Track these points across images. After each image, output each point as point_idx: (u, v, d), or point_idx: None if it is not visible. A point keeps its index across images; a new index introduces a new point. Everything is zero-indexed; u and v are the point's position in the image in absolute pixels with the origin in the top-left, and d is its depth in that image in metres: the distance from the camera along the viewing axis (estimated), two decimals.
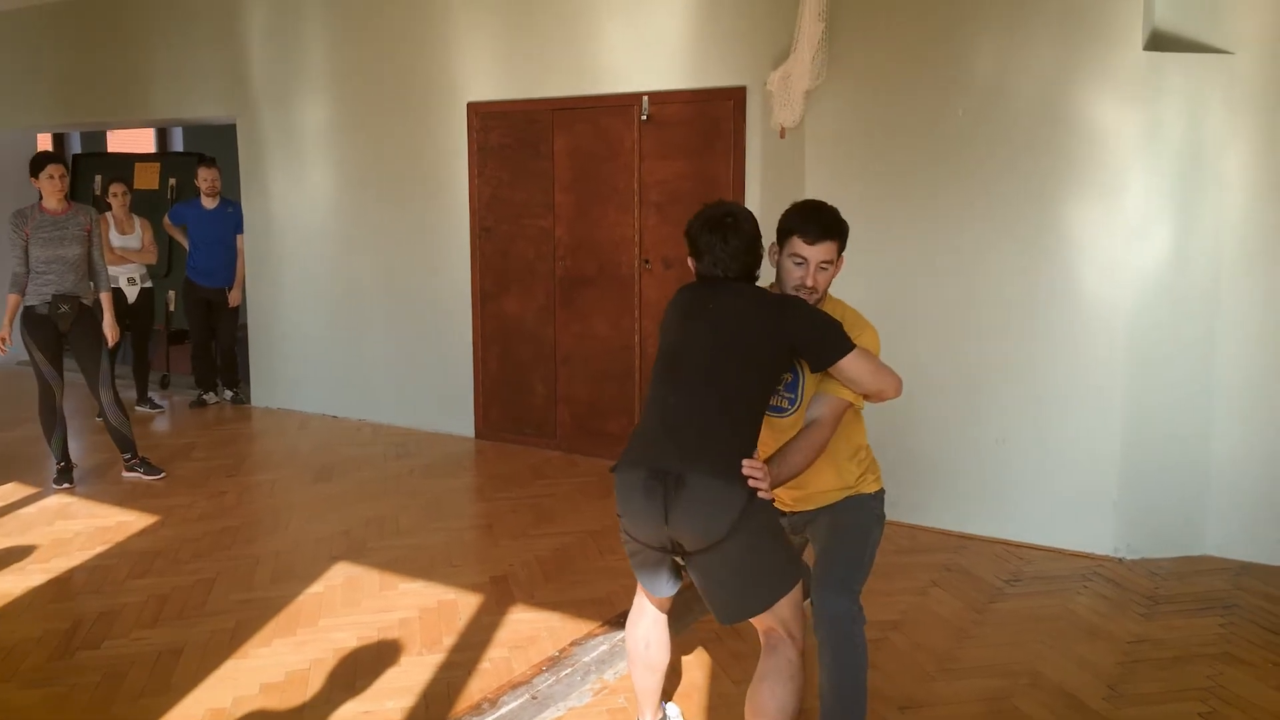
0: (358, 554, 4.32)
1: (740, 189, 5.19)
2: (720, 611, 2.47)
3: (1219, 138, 4.08)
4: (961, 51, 4.36)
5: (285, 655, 3.42)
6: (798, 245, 2.57)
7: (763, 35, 5.03)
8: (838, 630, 2.55)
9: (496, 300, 6.10)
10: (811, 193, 4.47)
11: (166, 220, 7.14)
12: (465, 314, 6.19)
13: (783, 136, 4.90)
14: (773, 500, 2.47)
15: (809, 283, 2.57)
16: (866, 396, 2.59)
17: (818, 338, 2.49)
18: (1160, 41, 4.06)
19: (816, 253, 2.56)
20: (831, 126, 4.67)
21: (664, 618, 2.74)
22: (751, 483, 2.34)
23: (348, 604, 3.82)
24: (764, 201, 5.03)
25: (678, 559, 2.47)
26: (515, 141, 5.90)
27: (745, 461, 2.35)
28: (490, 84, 5.94)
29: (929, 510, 4.59)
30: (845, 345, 2.49)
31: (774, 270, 2.67)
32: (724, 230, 2.53)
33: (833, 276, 2.62)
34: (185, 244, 7.06)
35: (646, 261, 5.55)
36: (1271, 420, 4.13)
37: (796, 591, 2.45)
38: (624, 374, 5.70)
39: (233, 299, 7.04)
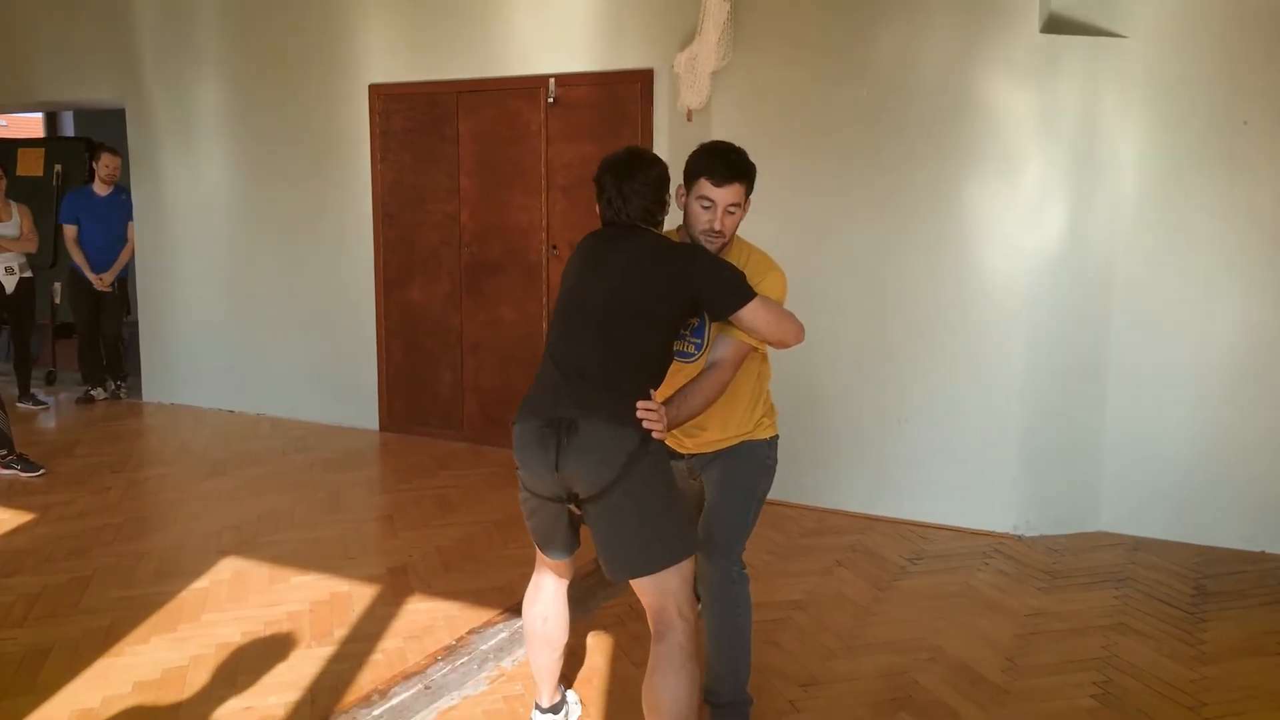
0: (248, 548, 4.17)
1: None
2: (610, 564, 2.41)
3: (1114, 120, 4.18)
4: (865, 33, 4.39)
5: (163, 652, 3.26)
6: (705, 187, 2.51)
7: (670, 17, 5.00)
8: (718, 591, 2.57)
9: (401, 288, 5.97)
10: (719, 228, 4.47)
11: (70, 243, 6.74)
12: (369, 303, 6.05)
13: (690, 119, 4.87)
14: (672, 453, 2.42)
15: (716, 226, 2.52)
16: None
17: (716, 288, 2.45)
18: (1057, 24, 4.15)
19: (724, 195, 2.51)
20: (738, 108, 4.66)
21: (563, 591, 2.68)
22: (646, 423, 2.30)
23: (234, 599, 3.67)
24: (672, 185, 5.00)
25: (573, 508, 2.41)
26: (418, 125, 5.78)
27: (640, 402, 2.31)
28: (392, 65, 5.80)
29: (836, 493, 4.62)
30: (744, 295, 2.45)
31: (681, 214, 2.63)
32: (622, 172, 2.49)
33: (740, 220, 2.58)
34: (86, 268, 6.71)
35: (554, 247, 5.48)
36: (1163, 399, 4.24)
37: (688, 566, 2.40)
38: (532, 362, 5.61)
39: (101, 282, 6.70)
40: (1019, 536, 4.30)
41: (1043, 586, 3.79)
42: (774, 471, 2.76)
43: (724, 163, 2.52)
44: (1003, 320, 4.26)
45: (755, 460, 2.71)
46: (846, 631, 3.41)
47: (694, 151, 2.59)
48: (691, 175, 2.56)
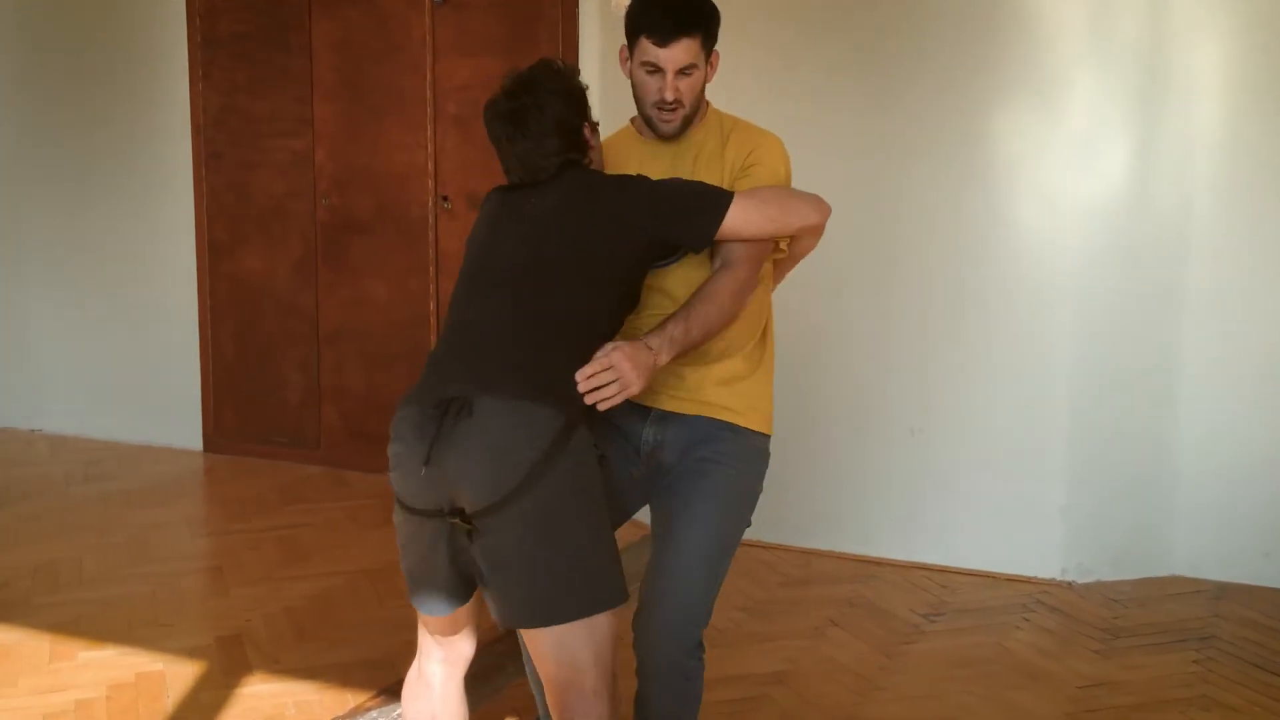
0: (19, 614, 4.10)
1: None
2: (498, 605, 2.32)
3: (1188, 25, 4.25)
4: None
5: None
6: (647, 49, 2.51)
7: None
8: (665, 684, 2.52)
9: (232, 256, 5.97)
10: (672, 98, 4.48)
11: None
12: (187, 276, 6.05)
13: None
14: (601, 456, 2.38)
15: (669, 96, 2.53)
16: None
17: (674, 216, 2.45)
18: None
19: (673, 55, 2.50)
20: None
21: (457, 682, 2.60)
22: (591, 396, 2.25)
23: None
24: (606, 113, 4.95)
25: (457, 521, 2.27)
26: (256, 30, 5.78)
27: (583, 370, 2.26)
28: None
29: (829, 528, 4.65)
30: (718, 205, 2.44)
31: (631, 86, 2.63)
32: (512, 123, 2.48)
33: (703, 84, 2.59)
34: None
35: (445, 199, 5.48)
36: (1254, 404, 4.34)
37: (606, 625, 2.30)
38: (414, 355, 5.57)
39: None
40: (1069, 583, 4.37)
41: (1101, 649, 3.86)
42: (761, 486, 2.68)
43: (667, 12, 2.51)
44: (1045, 299, 4.32)
45: (745, 475, 2.61)
46: (843, 711, 3.43)
47: (633, 1, 2.60)
48: (631, 33, 2.57)
